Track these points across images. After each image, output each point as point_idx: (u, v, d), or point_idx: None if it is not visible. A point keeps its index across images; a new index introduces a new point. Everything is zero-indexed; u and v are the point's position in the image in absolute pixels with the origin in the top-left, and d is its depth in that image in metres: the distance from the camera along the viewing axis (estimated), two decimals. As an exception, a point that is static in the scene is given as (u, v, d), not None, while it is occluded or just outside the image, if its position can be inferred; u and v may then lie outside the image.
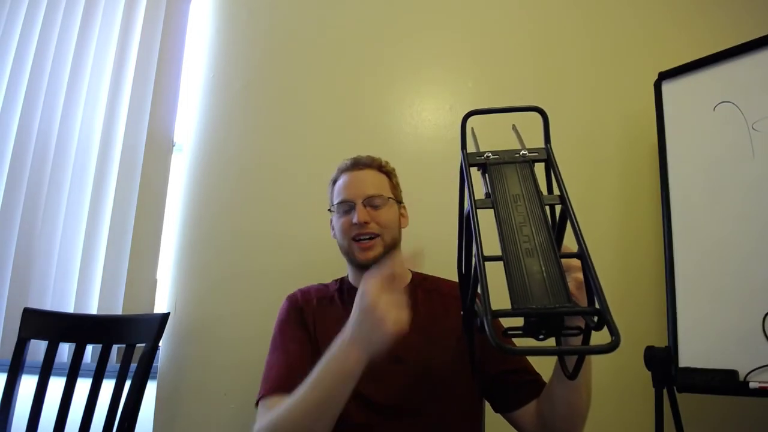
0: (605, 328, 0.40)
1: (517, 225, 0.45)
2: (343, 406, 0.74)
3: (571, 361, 0.58)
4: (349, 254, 1.02)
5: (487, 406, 1.02)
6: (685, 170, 1.21)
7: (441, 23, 1.61)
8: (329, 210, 1.08)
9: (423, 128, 1.53)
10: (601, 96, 1.51)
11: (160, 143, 1.66)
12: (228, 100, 1.63)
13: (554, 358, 0.77)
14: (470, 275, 0.56)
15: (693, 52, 1.25)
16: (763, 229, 1.06)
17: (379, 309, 0.69)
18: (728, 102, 1.16)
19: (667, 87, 1.28)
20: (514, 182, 0.50)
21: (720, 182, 1.14)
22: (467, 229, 0.53)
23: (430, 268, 1.12)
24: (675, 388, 1.10)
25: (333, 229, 1.08)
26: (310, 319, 1.00)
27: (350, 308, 1.01)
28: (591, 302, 0.44)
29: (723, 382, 1.02)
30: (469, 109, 0.57)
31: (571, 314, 0.40)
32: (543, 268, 0.41)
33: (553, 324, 0.39)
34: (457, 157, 0.55)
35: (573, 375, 0.52)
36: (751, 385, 0.99)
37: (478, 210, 0.47)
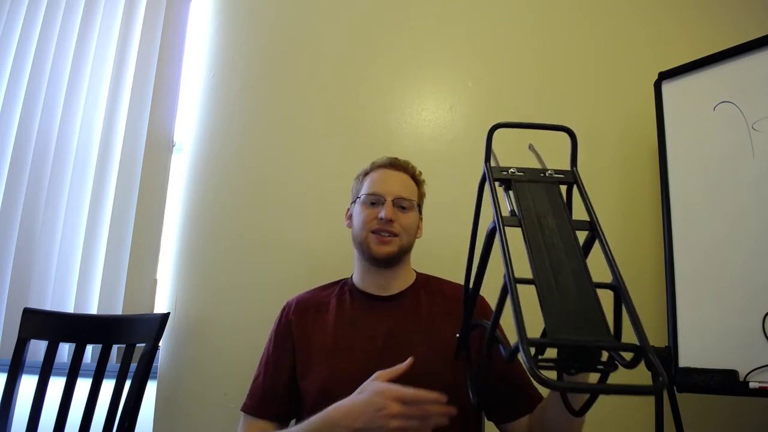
0: (635, 365, 0.38)
1: (546, 247, 0.42)
2: None
3: (578, 398, 0.54)
4: (362, 245, 1.02)
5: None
6: (685, 170, 1.21)
7: (441, 23, 1.60)
8: (354, 201, 1.08)
9: (423, 128, 1.53)
10: (601, 96, 1.51)
11: (160, 143, 1.66)
12: (228, 100, 1.63)
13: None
14: (475, 294, 0.54)
15: (693, 52, 1.25)
16: (763, 229, 1.06)
17: (386, 412, 0.73)
18: (728, 102, 1.16)
19: (667, 87, 1.28)
20: (541, 202, 0.47)
21: (720, 182, 1.14)
22: (486, 246, 0.50)
23: (431, 269, 1.12)
24: (675, 388, 1.10)
25: (349, 218, 1.09)
26: (296, 332, 1.02)
27: (348, 310, 1.03)
28: (618, 336, 0.41)
29: (723, 382, 1.02)
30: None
31: (613, 350, 0.37)
32: (579, 296, 0.39)
33: (589, 358, 0.37)
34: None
35: (580, 413, 0.48)
36: (751, 385, 0.99)
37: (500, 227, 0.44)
